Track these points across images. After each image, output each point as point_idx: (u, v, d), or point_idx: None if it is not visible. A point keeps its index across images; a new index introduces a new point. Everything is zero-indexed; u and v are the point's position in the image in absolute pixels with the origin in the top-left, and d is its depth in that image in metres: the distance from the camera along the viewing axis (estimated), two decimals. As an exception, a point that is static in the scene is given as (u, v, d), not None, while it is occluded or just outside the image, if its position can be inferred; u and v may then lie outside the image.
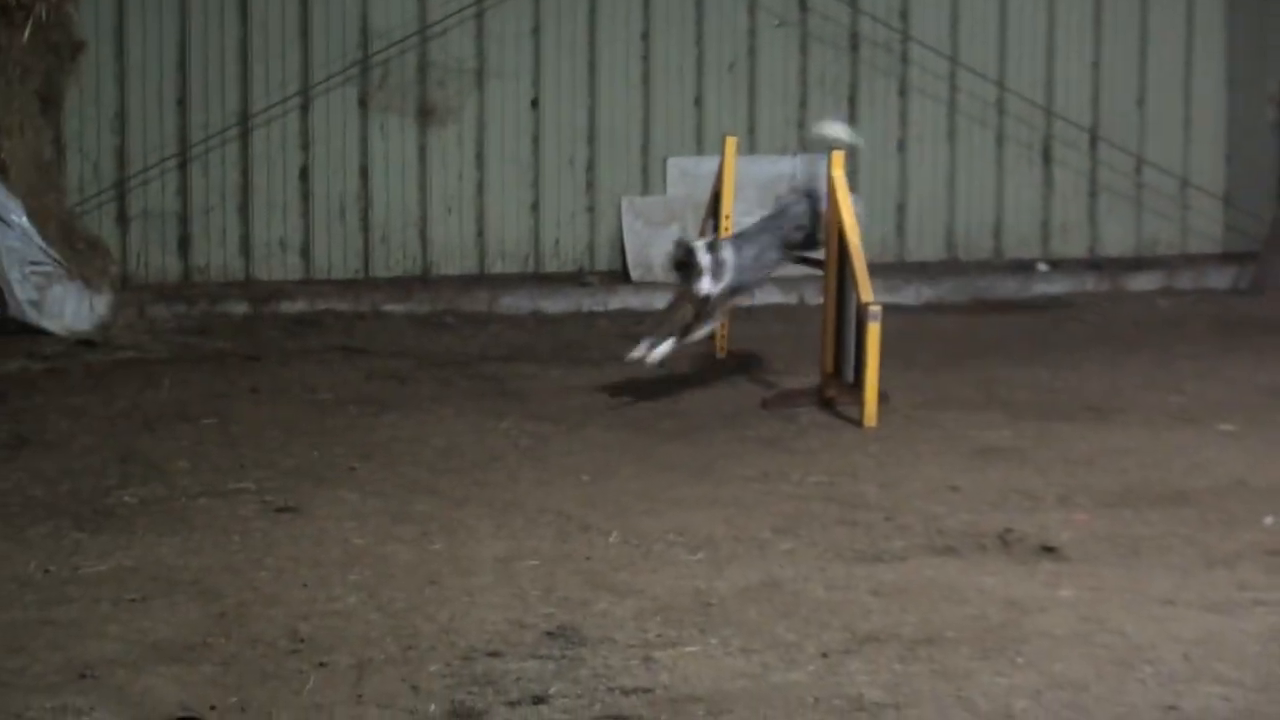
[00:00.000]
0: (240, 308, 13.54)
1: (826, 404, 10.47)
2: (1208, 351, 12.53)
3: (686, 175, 14.80)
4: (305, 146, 14.23)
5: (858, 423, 10.06)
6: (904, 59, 15.37)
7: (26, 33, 12.95)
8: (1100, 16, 15.88)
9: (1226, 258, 15.89)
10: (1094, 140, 15.85)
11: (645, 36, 14.86)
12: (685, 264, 10.08)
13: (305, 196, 14.24)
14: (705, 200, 12.03)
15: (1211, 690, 6.08)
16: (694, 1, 14.97)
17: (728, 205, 11.56)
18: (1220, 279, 15.51)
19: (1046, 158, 15.78)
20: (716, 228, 11.42)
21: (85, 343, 12.21)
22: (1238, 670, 6.25)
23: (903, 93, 15.44)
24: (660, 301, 13.47)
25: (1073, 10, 15.82)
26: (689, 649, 6.46)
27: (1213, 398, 10.94)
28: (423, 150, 14.46)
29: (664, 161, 14.94)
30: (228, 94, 14.06)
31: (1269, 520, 8.15)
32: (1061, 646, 6.48)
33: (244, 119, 14.04)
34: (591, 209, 14.81)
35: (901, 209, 15.46)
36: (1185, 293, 15.18)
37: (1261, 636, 6.60)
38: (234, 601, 6.93)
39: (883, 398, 10.15)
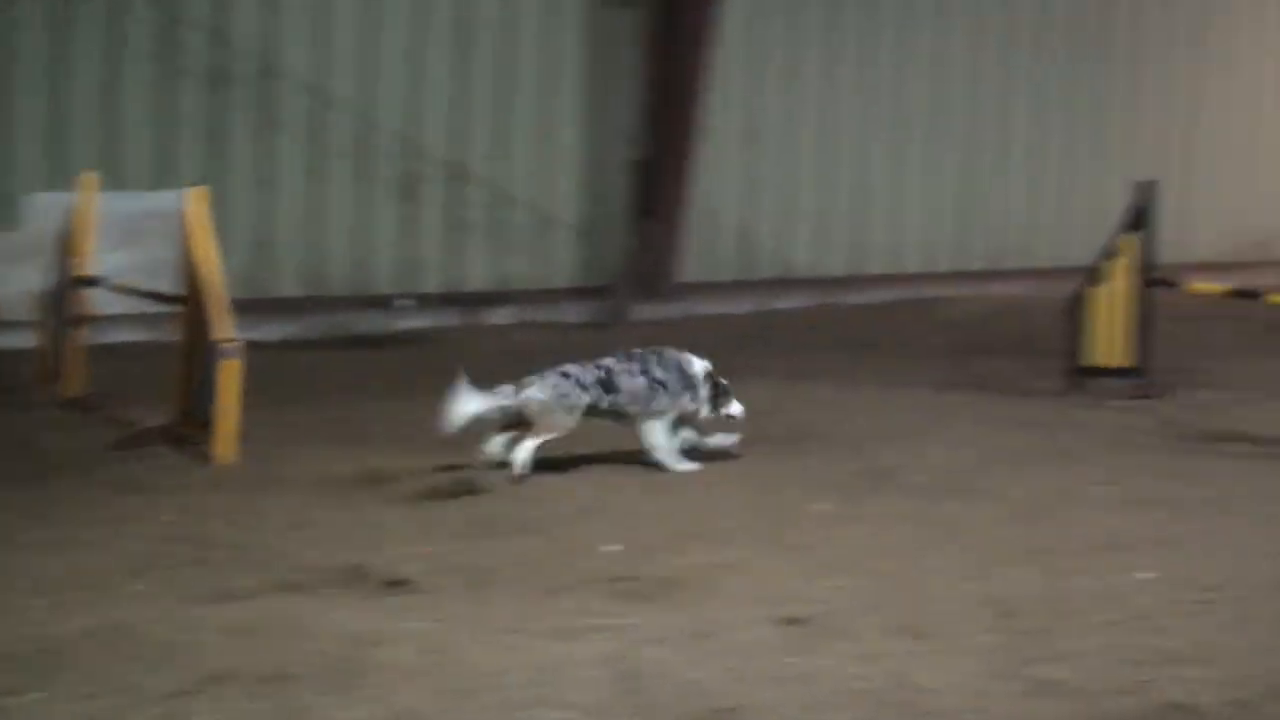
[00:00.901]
0: None
1: (180, 442, 10.35)
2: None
3: (48, 210, 14.34)
4: None
5: (212, 460, 10.00)
6: (270, 96, 15.36)
7: None
8: (466, 54, 16.19)
9: (583, 291, 16.39)
10: (457, 177, 16.13)
11: None
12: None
13: None
14: (66, 236, 11.81)
15: (551, 715, 6.26)
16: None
17: (86, 242, 11.39)
18: (576, 312, 15.99)
19: (410, 194, 15.98)
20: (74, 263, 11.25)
21: None
22: (577, 694, 6.46)
23: (268, 129, 15.42)
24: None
25: (438, 47, 16.08)
26: (30, 696, 6.31)
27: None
28: None
29: (23, 196, 14.53)
30: None
31: (608, 548, 8.43)
32: (406, 678, 6.57)
33: None
34: (-59, 244, 14.29)
35: (264, 245, 15.41)
36: (541, 325, 15.59)
37: (598, 661, 6.82)
38: None
39: (239, 435, 10.11)
